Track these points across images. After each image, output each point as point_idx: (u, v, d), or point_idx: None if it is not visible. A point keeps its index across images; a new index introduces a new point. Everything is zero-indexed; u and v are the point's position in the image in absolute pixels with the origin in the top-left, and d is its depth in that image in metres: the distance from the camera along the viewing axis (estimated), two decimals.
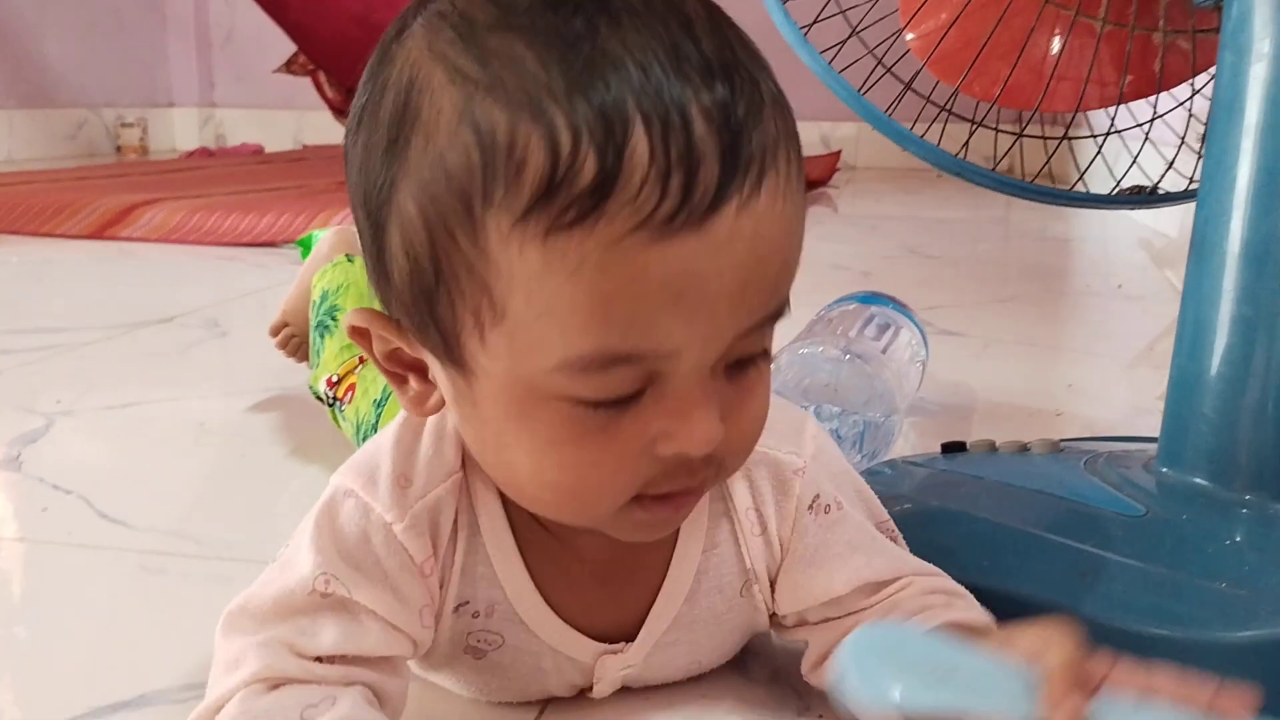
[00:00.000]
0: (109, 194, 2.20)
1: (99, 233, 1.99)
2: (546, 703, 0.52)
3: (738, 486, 0.49)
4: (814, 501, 0.49)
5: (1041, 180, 0.69)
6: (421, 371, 0.43)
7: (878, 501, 0.52)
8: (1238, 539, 0.55)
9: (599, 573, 0.48)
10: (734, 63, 0.37)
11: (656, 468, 0.39)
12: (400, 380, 0.44)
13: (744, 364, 0.40)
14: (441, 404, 0.43)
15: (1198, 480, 0.57)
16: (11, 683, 0.55)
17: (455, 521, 0.46)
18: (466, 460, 0.46)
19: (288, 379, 1.04)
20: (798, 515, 0.49)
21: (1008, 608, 0.53)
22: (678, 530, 0.48)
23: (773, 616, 0.52)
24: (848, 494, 0.50)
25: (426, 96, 0.37)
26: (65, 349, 1.20)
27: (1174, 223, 1.82)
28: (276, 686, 0.41)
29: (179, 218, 2.02)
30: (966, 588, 0.53)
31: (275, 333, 0.99)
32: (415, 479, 0.45)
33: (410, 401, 0.44)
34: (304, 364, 1.00)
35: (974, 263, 1.91)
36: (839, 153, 3.39)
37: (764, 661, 0.56)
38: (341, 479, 0.46)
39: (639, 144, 0.34)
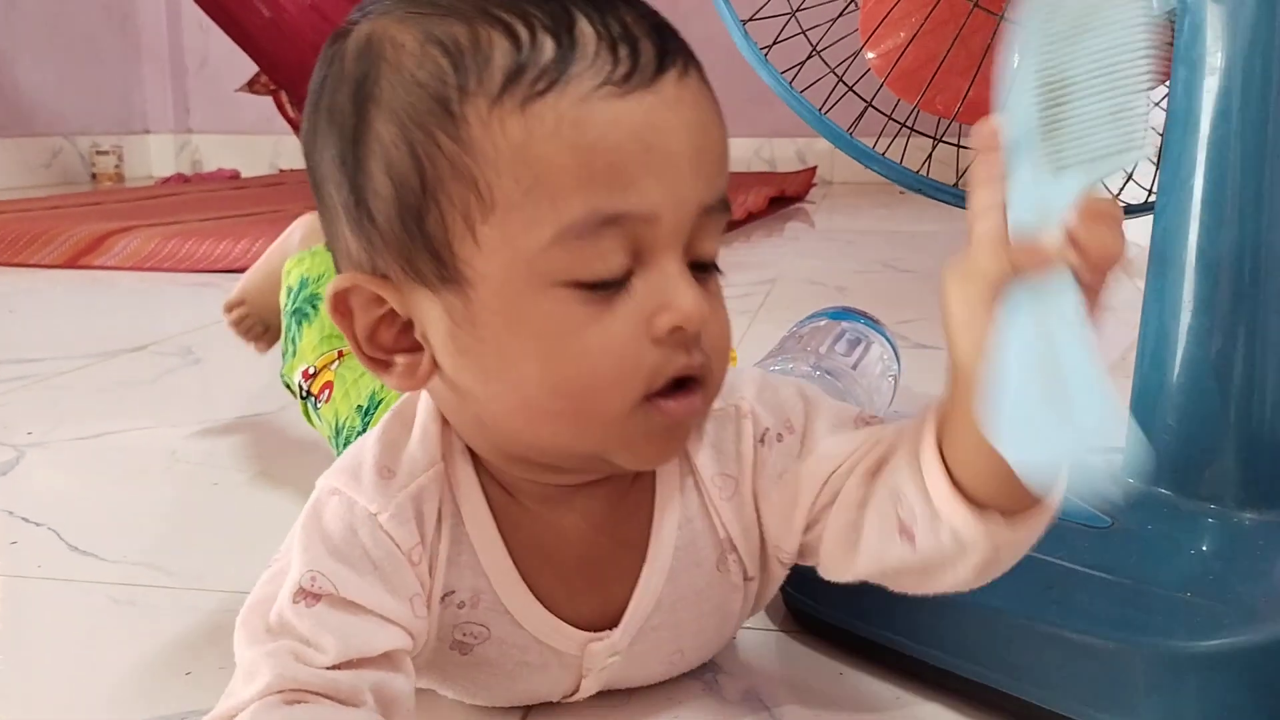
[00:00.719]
0: (83, 222, 2.19)
1: (72, 262, 1.98)
2: (528, 710, 0.52)
3: (703, 455, 0.50)
4: (764, 435, 0.50)
5: None
6: (406, 344, 0.44)
7: (841, 404, 0.52)
8: (1203, 549, 0.56)
9: (582, 553, 0.49)
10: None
11: (658, 353, 0.42)
12: (384, 365, 0.45)
13: (703, 271, 0.44)
14: (433, 369, 0.44)
15: (1162, 490, 0.58)
16: None
17: (440, 511, 0.47)
18: (447, 451, 0.47)
19: (261, 405, 1.04)
20: (756, 454, 0.50)
21: (976, 621, 0.54)
22: (654, 507, 0.49)
23: (750, 591, 0.52)
24: (797, 414, 0.50)
25: (386, 42, 0.42)
26: (38, 380, 1.19)
27: (1144, 234, 1.84)
28: (293, 700, 0.41)
29: (153, 245, 2.01)
30: (934, 601, 0.54)
31: (230, 309, 0.97)
32: (398, 470, 0.46)
33: (401, 378, 0.45)
34: (255, 348, 0.99)
35: None
36: (815, 168, 3.41)
37: (737, 679, 0.56)
38: (326, 479, 0.47)
39: (584, 27, 0.40)
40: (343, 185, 0.43)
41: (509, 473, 0.48)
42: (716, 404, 0.49)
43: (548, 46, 0.40)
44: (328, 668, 0.42)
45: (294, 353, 0.86)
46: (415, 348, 0.44)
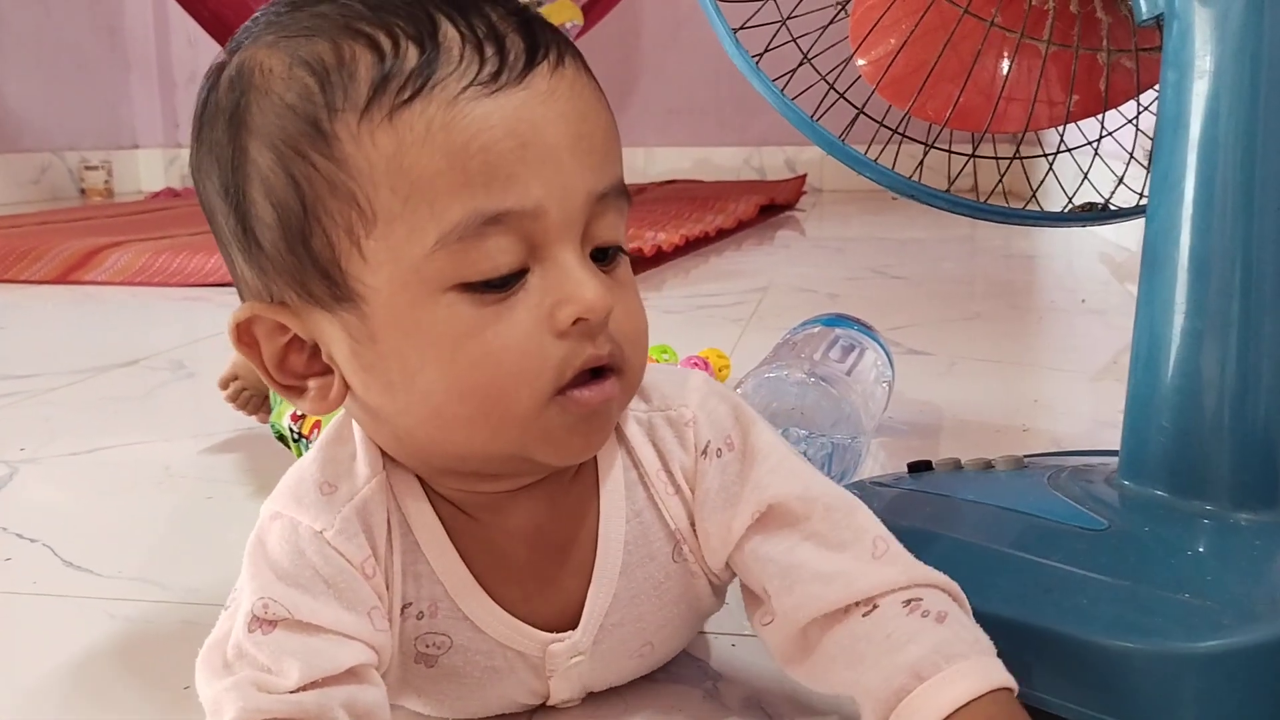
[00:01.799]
0: (73, 238, 2.19)
1: (63, 277, 1.98)
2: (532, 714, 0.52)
3: (644, 450, 0.50)
4: (706, 447, 0.49)
5: (996, 199, 0.70)
6: (315, 369, 0.44)
7: (777, 435, 0.51)
8: (1200, 549, 0.56)
9: (531, 555, 0.48)
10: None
11: (563, 346, 0.42)
12: (297, 391, 0.45)
13: (608, 256, 0.44)
14: (345, 390, 0.44)
15: (1158, 492, 0.58)
16: None
17: (388, 521, 0.46)
18: (388, 462, 0.47)
19: (252, 420, 1.03)
20: (696, 464, 0.49)
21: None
22: (599, 505, 0.49)
23: (713, 579, 0.52)
24: (735, 431, 0.50)
25: (255, 69, 0.42)
26: (29, 396, 1.19)
27: (1134, 237, 1.85)
28: None
29: (144, 259, 2.01)
30: None
31: (225, 385, 0.97)
32: (339, 484, 0.46)
33: (314, 402, 0.45)
34: (255, 419, 0.99)
35: (939, 281, 1.93)
36: (804, 176, 3.42)
37: (737, 686, 0.56)
38: (267, 505, 0.47)
39: (448, 30, 0.40)
40: (229, 215, 0.43)
41: (443, 485, 0.47)
42: (658, 405, 0.50)
43: (411, 54, 0.40)
44: (292, 691, 0.42)
45: (281, 400, 0.86)
46: (325, 370, 0.44)
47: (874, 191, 3.70)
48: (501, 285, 0.41)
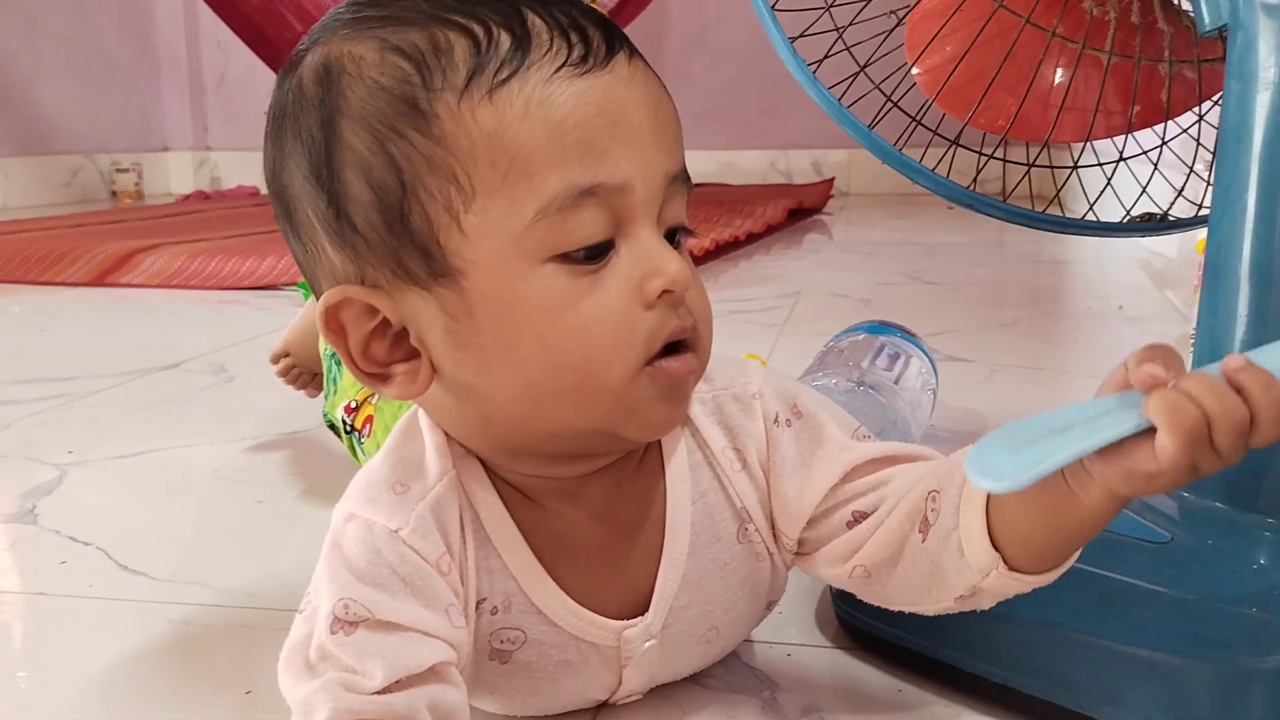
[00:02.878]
0: (108, 240, 2.21)
1: (99, 279, 2.00)
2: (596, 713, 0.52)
3: (710, 431, 0.51)
4: (776, 417, 0.51)
5: (1048, 209, 0.70)
6: (402, 354, 0.45)
7: (844, 411, 0.54)
8: (1262, 562, 0.56)
9: (601, 542, 0.49)
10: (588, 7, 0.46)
11: (652, 317, 0.43)
12: (382, 378, 0.46)
13: (674, 238, 0.45)
14: (433, 373, 0.45)
15: (1219, 504, 0.58)
16: None
17: (461, 519, 0.47)
18: (456, 459, 0.48)
19: (298, 422, 1.04)
20: (768, 433, 0.51)
21: (1036, 637, 0.53)
22: (665, 487, 0.50)
23: (776, 560, 0.53)
24: (808, 406, 0.52)
25: (344, 58, 0.43)
26: (73, 398, 1.20)
27: (1173, 244, 1.83)
28: None
29: (179, 262, 2.02)
30: (992, 618, 0.54)
31: (276, 360, 0.99)
32: (411, 483, 0.47)
33: (401, 387, 0.46)
34: (304, 394, 1.00)
35: (973, 287, 1.92)
36: (832, 180, 3.41)
37: (795, 696, 0.56)
38: (341, 507, 0.47)
39: (535, 20, 0.43)
40: (319, 200, 0.44)
41: (516, 472, 0.48)
42: (721, 384, 0.51)
43: (504, 40, 0.42)
44: (378, 691, 0.42)
45: (335, 390, 0.87)
46: (412, 355, 0.45)
47: (900, 195, 3.69)
48: (594, 256, 0.43)
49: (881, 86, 0.68)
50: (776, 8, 0.64)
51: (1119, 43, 0.62)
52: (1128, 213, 0.67)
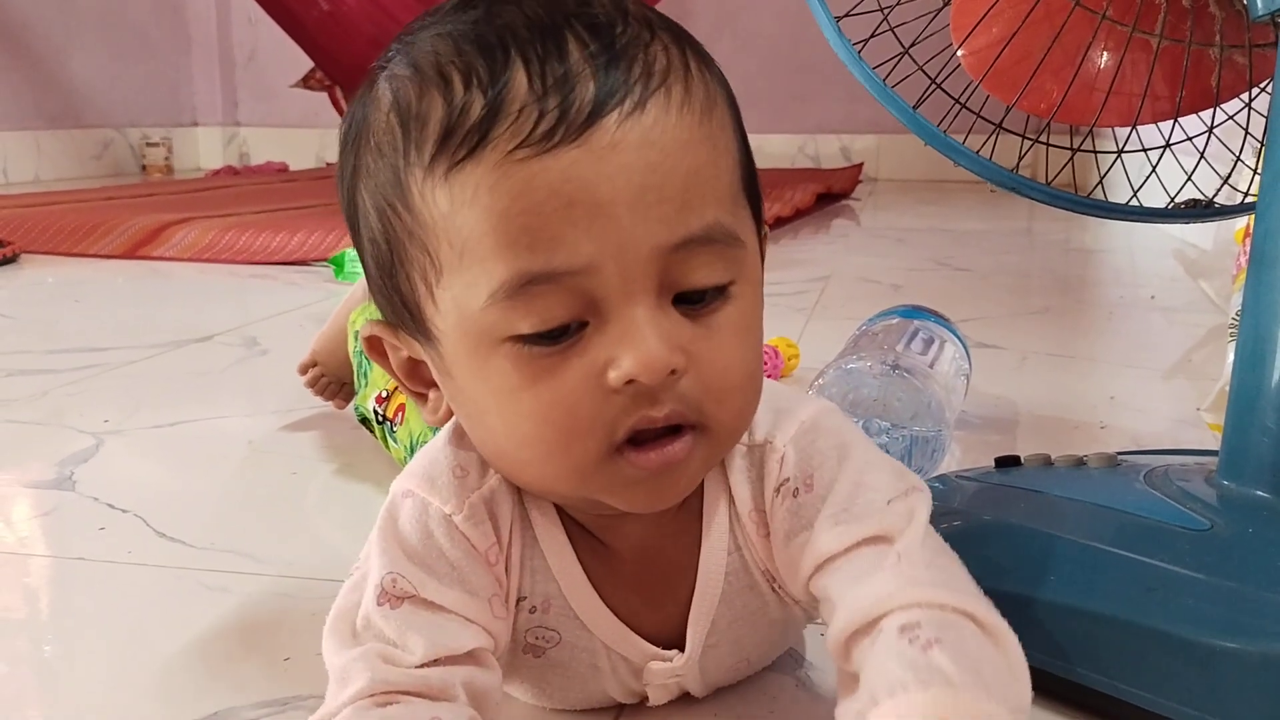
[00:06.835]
0: (140, 214, 2.22)
1: (131, 252, 2.01)
2: (620, 709, 0.52)
3: (740, 490, 0.48)
4: (781, 485, 0.47)
5: (1091, 195, 0.69)
6: (432, 378, 0.46)
7: (889, 466, 0.47)
8: None
9: (638, 575, 0.49)
10: (621, 8, 0.41)
11: (616, 405, 0.40)
12: (422, 398, 0.47)
13: (703, 301, 0.41)
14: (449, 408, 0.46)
15: (1261, 493, 0.57)
16: (89, 702, 0.55)
17: (513, 515, 0.47)
18: None
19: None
20: (770, 502, 0.47)
21: (1074, 623, 0.53)
22: (701, 531, 0.48)
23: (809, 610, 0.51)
24: (825, 470, 0.46)
25: (372, 104, 0.43)
26: (108, 368, 1.21)
27: (1207, 234, 1.82)
28: (386, 701, 0.41)
29: (210, 237, 2.03)
30: (1031, 603, 0.54)
31: (304, 371, 0.99)
32: (470, 470, 0.47)
33: (429, 413, 0.47)
34: (333, 405, 1.00)
35: (1002, 274, 1.91)
36: (861, 165, 3.40)
37: (830, 675, 0.56)
38: (400, 483, 0.47)
39: (518, 75, 0.39)
40: (354, 236, 0.46)
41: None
42: (760, 438, 0.47)
43: (475, 106, 0.39)
44: (416, 666, 0.43)
45: (366, 383, 0.88)
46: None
47: (928, 181, 3.67)
48: (555, 338, 0.40)
49: (925, 69, 0.68)
50: None
51: (1169, 26, 0.62)
52: (1172, 199, 0.67)
